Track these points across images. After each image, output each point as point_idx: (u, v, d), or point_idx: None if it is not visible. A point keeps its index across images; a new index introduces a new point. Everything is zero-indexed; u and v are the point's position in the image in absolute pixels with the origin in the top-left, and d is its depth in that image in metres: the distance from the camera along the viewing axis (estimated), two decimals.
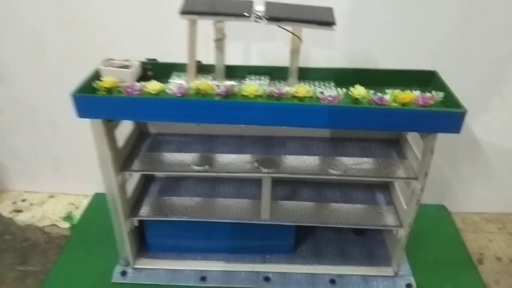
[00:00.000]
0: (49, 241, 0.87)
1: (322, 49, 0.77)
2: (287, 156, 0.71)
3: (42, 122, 0.89)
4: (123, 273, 0.75)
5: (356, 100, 0.61)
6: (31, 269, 0.80)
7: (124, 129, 0.71)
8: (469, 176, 0.94)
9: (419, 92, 0.60)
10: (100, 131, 0.60)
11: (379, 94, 0.60)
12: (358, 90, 0.61)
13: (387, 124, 0.58)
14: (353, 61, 0.78)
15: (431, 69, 0.68)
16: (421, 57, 0.76)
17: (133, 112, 0.58)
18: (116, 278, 0.75)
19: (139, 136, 0.75)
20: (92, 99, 0.57)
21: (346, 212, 0.74)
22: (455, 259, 0.81)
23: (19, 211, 0.95)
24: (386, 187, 0.80)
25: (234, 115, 0.58)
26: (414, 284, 0.74)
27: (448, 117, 0.57)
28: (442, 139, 0.62)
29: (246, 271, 0.75)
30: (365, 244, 0.81)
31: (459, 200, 0.97)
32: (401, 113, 0.58)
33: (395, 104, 0.60)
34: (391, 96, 0.60)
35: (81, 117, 0.58)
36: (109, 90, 0.60)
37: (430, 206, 0.90)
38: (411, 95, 0.60)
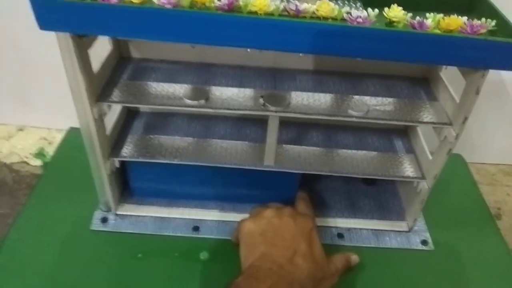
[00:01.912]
0: (18, 180, 0.76)
1: None
2: (298, 92, 0.59)
3: (2, 42, 0.75)
4: (104, 220, 0.66)
5: (390, 24, 0.49)
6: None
7: (100, 52, 0.58)
8: (490, 125, 0.85)
9: (466, 18, 0.49)
10: (70, 49, 0.47)
11: (419, 18, 0.48)
12: (395, 11, 0.49)
13: (429, 54, 0.47)
14: None
15: None
16: None
17: (110, 25, 0.44)
18: (96, 225, 0.65)
19: (119, 61, 0.63)
20: (57, 5, 0.43)
21: (360, 160, 0.64)
22: (473, 214, 0.73)
23: None
24: (405, 133, 0.71)
25: (240, 35, 0.46)
26: (430, 240, 0.67)
27: (506, 49, 0.46)
28: (464, 83, 0.53)
29: None
30: (376, 195, 0.73)
31: (476, 149, 0.89)
32: (449, 41, 0.46)
33: (438, 31, 0.48)
34: (433, 21, 0.49)
35: (43, 29, 0.45)
36: None
37: None
38: (458, 21, 0.48)
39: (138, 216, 0.67)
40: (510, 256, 0.67)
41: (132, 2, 0.46)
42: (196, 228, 0.66)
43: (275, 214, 0.58)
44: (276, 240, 0.53)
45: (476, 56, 0.47)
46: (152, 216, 0.67)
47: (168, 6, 0.46)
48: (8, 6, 0.70)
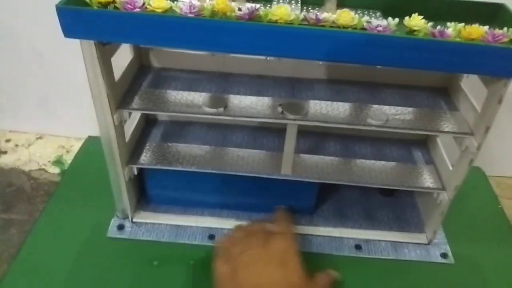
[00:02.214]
0: (36, 188, 0.77)
1: None
2: (316, 101, 0.59)
3: (26, 50, 0.76)
4: (120, 227, 0.66)
5: (411, 32, 0.49)
6: (15, 217, 0.71)
7: (121, 61, 0.59)
8: (510, 137, 0.84)
9: (488, 27, 0.48)
10: (93, 56, 0.48)
11: (440, 27, 0.48)
12: (415, 21, 0.49)
13: (451, 63, 0.46)
14: None
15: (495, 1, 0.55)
16: None
17: (133, 33, 0.45)
18: (112, 232, 0.65)
19: (140, 70, 0.63)
20: (82, 13, 0.44)
21: (378, 171, 0.64)
22: (494, 228, 0.72)
23: (3, 152, 0.84)
24: (424, 144, 0.70)
25: (261, 43, 0.46)
26: (450, 253, 0.65)
27: None
28: (484, 89, 0.52)
29: None
30: (394, 207, 0.72)
31: (496, 162, 0.87)
32: (471, 49, 0.46)
33: (459, 40, 0.48)
34: (454, 30, 0.49)
35: (68, 37, 0.46)
36: (104, 5, 0.48)
37: None
38: (479, 30, 0.48)
39: (154, 223, 0.67)
40: None
41: (154, 11, 0.47)
42: (211, 237, 0.65)
43: (243, 248, 0.52)
44: (246, 281, 0.50)
45: (499, 65, 0.46)
46: (168, 224, 0.67)
47: (190, 15, 0.47)
48: (33, 16, 0.72)
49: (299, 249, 0.53)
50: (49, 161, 0.83)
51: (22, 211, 0.72)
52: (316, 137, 0.68)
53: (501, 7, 0.55)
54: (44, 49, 0.77)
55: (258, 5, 0.51)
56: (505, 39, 0.48)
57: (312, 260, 0.63)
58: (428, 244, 0.66)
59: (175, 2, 0.49)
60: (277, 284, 0.49)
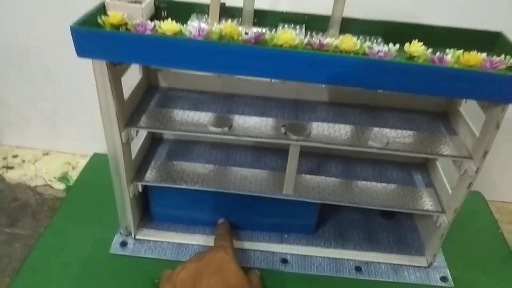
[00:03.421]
0: (41, 203, 0.78)
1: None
2: (319, 123, 0.61)
3: (36, 68, 0.79)
4: (123, 244, 0.67)
5: (411, 58, 0.51)
6: (19, 232, 0.72)
7: (130, 80, 0.61)
8: (510, 162, 0.85)
9: (485, 54, 0.50)
10: (104, 76, 0.50)
11: (439, 54, 0.50)
12: (415, 47, 0.51)
13: (449, 88, 0.48)
14: (398, 15, 0.67)
15: (492, 29, 0.57)
16: (478, 15, 0.66)
17: (145, 55, 0.47)
18: (115, 248, 0.66)
19: (148, 89, 0.65)
20: (95, 34, 0.47)
21: (379, 193, 0.65)
22: (494, 252, 0.72)
23: (10, 167, 0.86)
24: (424, 167, 0.71)
25: (266, 66, 0.48)
26: (449, 277, 0.65)
27: None
28: (482, 115, 0.53)
29: (261, 251, 0.67)
30: (395, 229, 0.72)
31: (496, 187, 0.88)
32: (469, 76, 0.47)
33: (457, 67, 0.50)
34: (453, 57, 0.50)
35: (81, 56, 0.47)
36: (116, 27, 0.50)
37: None
38: (477, 57, 0.50)
39: (156, 241, 0.67)
40: None
41: (165, 33, 0.49)
42: None
43: (181, 268, 0.54)
44: None
45: (496, 91, 0.48)
46: (170, 242, 0.67)
47: (199, 38, 0.49)
48: (44, 37, 0.75)
49: (238, 260, 0.56)
50: (54, 177, 0.84)
51: (26, 226, 0.73)
52: (318, 158, 0.69)
53: (499, 35, 0.57)
54: (54, 68, 0.79)
55: (264, 30, 0.54)
56: (503, 66, 0.50)
57: (312, 282, 0.63)
58: (428, 267, 0.67)
59: (185, 26, 0.51)
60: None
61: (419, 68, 0.48)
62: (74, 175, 0.84)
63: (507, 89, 0.48)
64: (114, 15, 0.50)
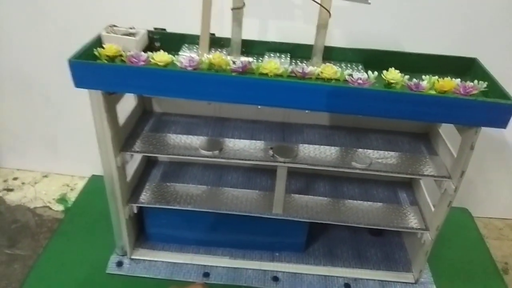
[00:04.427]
0: (41, 224, 0.80)
1: (346, 29, 0.70)
2: (305, 145, 0.64)
3: (36, 95, 0.82)
4: (119, 264, 0.69)
5: (389, 85, 0.54)
6: (19, 253, 0.74)
7: (126, 106, 0.64)
8: (496, 179, 0.87)
9: (460, 80, 0.53)
10: (100, 104, 0.53)
11: (415, 80, 0.53)
12: (392, 74, 0.54)
13: (425, 113, 0.51)
14: (380, 43, 0.71)
15: (468, 55, 0.61)
16: (455, 42, 0.70)
17: (138, 84, 0.51)
18: (111, 268, 0.68)
19: (142, 115, 0.69)
20: (91, 67, 0.50)
21: (365, 211, 0.67)
22: (479, 267, 0.74)
23: (10, 190, 0.88)
24: (409, 186, 0.73)
25: (252, 94, 0.51)
26: None
27: (495, 109, 0.50)
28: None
29: (253, 269, 0.69)
30: (382, 246, 0.75)
31: (483, 204, 0.90)
32: (442, 101, 0.51)
33: (433, 92, 0.53)
34: (429, 83, 0.54)
35: (78, 87, 0.51)
36: (111, 59, 0.53)
37: (452, 208, 0.82)
38: (451, 83, 0.53)
39: (151, 261, 0.70)
40: None
41: (157, 64, 0.53)
42: (206, 274, 0.68)
43: None
44: None
45: (469, 115, 0.51)
46: (164, 261, 0.69)
47: (189, 69, 0.52)
48: (45, 65, 0.78)
49: None
50: (53, 199, 0.86)
51: (26, 247, 0.75)
52: (306, 178, 0.72)
53: (473, 61, 0.61)
54: (53, 94, 0.82)
55: (251, 59, 0.57)
56: (475, 91, 0.53)
57: None
58: (415, 283, 0.69)
59: (176, 56, 0.54)
60: None
61: (394, 95, 0.51)
62: (72, 196, 0.86)
63: (478, 113, 0.51)
64: (109, 48, 0.53)
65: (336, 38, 0.70)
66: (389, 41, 0.71)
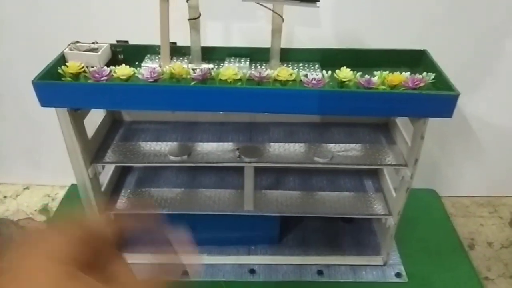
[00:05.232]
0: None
1: (306, 28, 0.72)
2: (271, 143, 0.67)
3: (10, 111, 0.84)
4: None
5: (342, 84, 0.57)
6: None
7: (96, 116, 0.66)
8: (460, 159, 0.92)
9: (409, 73, 0.57)
10: (67, 121, 0.55)
11: (367, 77, 0.56)
12: (344, 73, 0.57)
13: (374, 109, 0.54)
14: (339, 41, 0.74)
15: (421, 48, 0.64)
16: (409, 36, 0.73)
17: (101, 100, 0.53)
18: None
19: (112, 124, 0.71)
20: (54, 86, 0.52)
21: (333, 201, 0.71)
22: (445, 245, 0.78)
23: None
24: (375, 173, 0.77)
25: (212, 102, 0.54)
26: (403, 272, 0.72)
27: (439, 100, 0.54)
28: (432, 121, 0.59)
29: (230, 264, 0.72)
30: (354, 232, 0.79)
31: (450, 184, 0.94)
32: (389, 97, 0.54)
33: (383, 87, 0.56)
34: (379, 78, 0.57)
35: (44, 106, 0.53)
36: (75, 76, 0.55)
37: (420, 190, 0.86)
38: (400, 77, 0.56)
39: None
40: (482, 285, 0.71)
41: (119, 77, 0.55)
42: (185, 273, 0.71)
43: None
44: None
45: (415, 108, 0.54)
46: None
47: (151, 80, 0.54)
48: (24, 85, 0.79)
49: None
50: (35, 210, 0.88)
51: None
52: (276, 174, 0.75)
53: (423, 53, 0.64)
54: (32, 112, 0.83)
55: (211, 66, 0.60)
56: (422, 84, 0.56)
57: None
58: (384, 265, 0.73)
59: (138, 69, 0.57)
60: None
61: (347, 94, 0.54)
62: (54, 206, 0.88)
63: (424, 105, 0.54)
64: (72, 65, 0.55)
65: (297, 39, 0.72)
66: (350, 39, 0.73)
